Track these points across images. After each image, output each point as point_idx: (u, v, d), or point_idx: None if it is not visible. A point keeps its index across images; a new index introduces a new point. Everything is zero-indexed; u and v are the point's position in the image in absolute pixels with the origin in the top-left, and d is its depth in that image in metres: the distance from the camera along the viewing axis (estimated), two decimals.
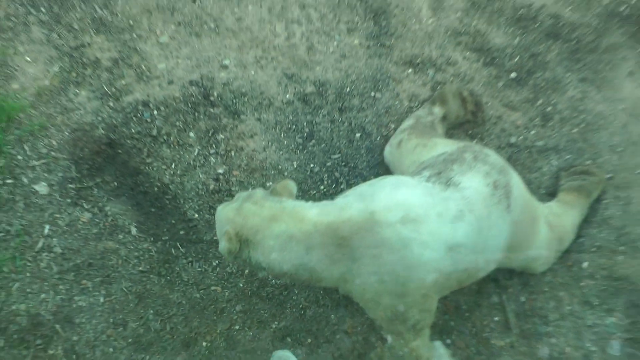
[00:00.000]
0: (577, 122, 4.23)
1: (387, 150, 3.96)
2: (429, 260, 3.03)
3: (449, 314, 3.79)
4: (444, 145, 3.61)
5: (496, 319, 3.76)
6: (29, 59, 4.23)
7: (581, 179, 3.92)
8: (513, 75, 4.39)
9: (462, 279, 3.24)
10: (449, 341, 3.74)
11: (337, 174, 4.06)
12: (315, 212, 3.12)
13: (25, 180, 3.96)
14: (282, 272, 3.12)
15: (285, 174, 4.05)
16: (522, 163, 4.14)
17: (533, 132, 4.23)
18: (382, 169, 4.07)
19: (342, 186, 4.02)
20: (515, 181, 3.44)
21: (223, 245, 3.11)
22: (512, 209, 3.29)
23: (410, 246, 2.99)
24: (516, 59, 4.44)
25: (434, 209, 3.07)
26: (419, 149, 3.71)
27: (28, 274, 3.77)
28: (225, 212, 3.18)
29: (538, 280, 3.86)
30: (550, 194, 4.05)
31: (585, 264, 3.86)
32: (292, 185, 3.37)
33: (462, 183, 3.21)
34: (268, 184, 4.02)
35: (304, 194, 4.00)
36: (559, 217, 3.76)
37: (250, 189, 3.32)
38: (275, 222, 3.10)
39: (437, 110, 4.07)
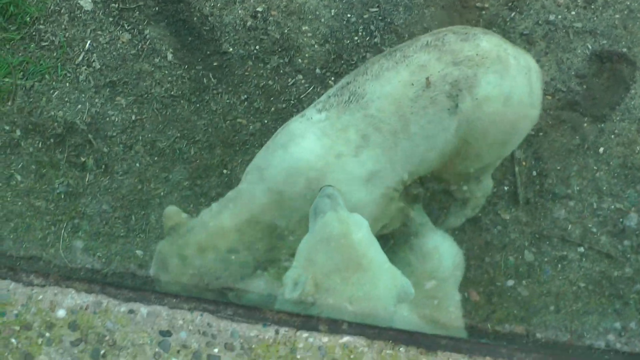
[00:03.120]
0: (621, 7, 3.53)
1: None
2: (356, 204, 2.32)
3: None
4: None
5: (506, 188, 3.25)
6: None
7: None
8: None
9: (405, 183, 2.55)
10: None
11: (372, 27, 3.46)
12: (227, 217, 2.39)
13: None
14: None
15: (322, 20, 3.47)
16: (557, 42, 3.49)
17: (573, 12, 3.54)
18: (417, 28, 3.46)
19: (375, 39, 3.44)
20: (491, 79, 2.40)
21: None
22: (465, 109, 2.39)
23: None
24: None
25: (332, 152, 2.33)
26: None
27: (67, 84, 3.34)
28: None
29: (552, 153, 3.32)
30: (579, 76, 3.43)
31: (601, 149, 3.30)
32: (173, 210, 2.53)
33: (369, 94, 2.36)
34: (304, 28, 3.45)
35: (338, 42, 3.43)
36: None
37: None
38: (205, 252, 2.38)
39: None
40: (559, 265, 3.10)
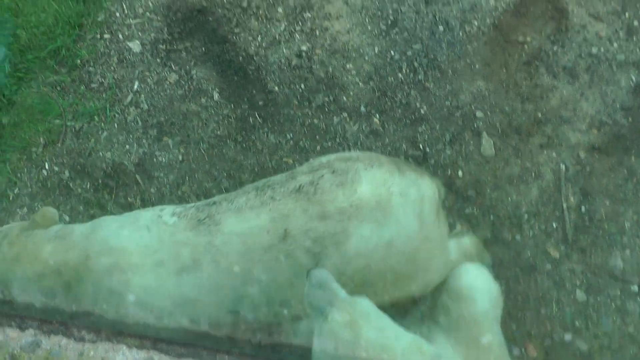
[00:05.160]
0: None
1: None
2: (146, 317, 2.12)
3: (505, 219, 3.07)
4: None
5: (554, 225, 3.04)
6: None
7: None
8: None
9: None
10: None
11: (415, 64, 3.28)
12: (50, 249, 2.17)
13: (120, 36, 3.33)
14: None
15: (366, 58, 3.30)
16: (601, 75, 3.29)
17: (616, 44, 3.34)
18: (461, 64, 3.28)
19: (419, 76, 3.26)
20: (366, 231, 2.03)
21: None
22: (331, 264, 2.03)
23: (121, 300, 2.10)
24: None
25: (154, 257, 2.08)
26: None
27: (116, 125, 3.21)
28: None
29: (600, 188, 3.10)
30: (624, 109, 3.22)
31: None
32: (52, 212, 2.39)
33: (222, 225, 2.07)
34: (348, 66, 3.28)
35: (382, 80, 3.26)
36: None
37: (10, 223, 2.56)
38: (17, 263, 2.20)
39: None
40: (618, 314, 2.86)
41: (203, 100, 3.24)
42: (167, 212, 2.18)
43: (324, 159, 2.23)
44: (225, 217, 2.08)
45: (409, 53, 3.31)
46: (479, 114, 3.22)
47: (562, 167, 3.15)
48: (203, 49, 3.31)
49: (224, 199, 2.16)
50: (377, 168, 2.10)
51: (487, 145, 3.18)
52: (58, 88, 3.24)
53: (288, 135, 3.19)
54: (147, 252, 2.10)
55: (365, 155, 2.23)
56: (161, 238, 2.11)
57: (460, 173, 3.13)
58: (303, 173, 2.13)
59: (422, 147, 3.16)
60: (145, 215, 2.21)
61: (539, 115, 3.23)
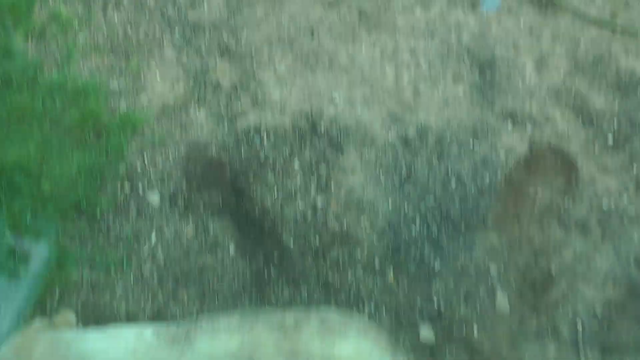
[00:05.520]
0: None
1: None
2: None
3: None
4: None
5: None
6: (158, 76, 3.66)
7: None
8: (610, 138, 3.55)
9: None
10: None
11: (429, 219, 3.32)
12: (40, 351, 2.20)
13: (140, 188, 3.41)
14: None
15: (380, 213, 3.34)
16: (613, 229, 3.32)
17: (626, 199, 3.39)
18: (473, 218, 3.31)
19: (432, 231, 3.28)
20: None
21: None
22: None
23: None
24: (614, 124, 3.59)
25: None
26: None
27: (132, 278, 3.22)
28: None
29: (619, 345, 3.04)
30: (638, 263, 3.22)
31: None
32: (71, 317, 2.59)
33: (196, 343, 2.08)
34: (362, 220, 3.32)
35: (395, 235, 3.28)
36: None
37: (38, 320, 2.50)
38: (17, 355, 2.23)
39: None
40: None
41: (219, 254, 3.25)
42: (149, 330, 2.20)
43: (325, 310, 2.20)
44: (200, 337, 2.08)
45: (422, 208, 3.35)
46: (492, 269, 3.22)
47: (579, 323, 3.11)
48: (220, 201, 3.37)
49: (207, 318, 2.18)
50: (370, 339, 2.05)
51: (502, 300, 3.15)
52: (76, 239, 3.28)
53: (302, 290, 3.18)
54: None
55: (368, 323, 2.20)
56: (136, 353, 2.10)
57: (475, 330, 3.09)
58: (294, 313, 2.12)
59: (437, 303, 3.14)
60: (128, 331, 2.23)
61: (553, 270, 3.22)
